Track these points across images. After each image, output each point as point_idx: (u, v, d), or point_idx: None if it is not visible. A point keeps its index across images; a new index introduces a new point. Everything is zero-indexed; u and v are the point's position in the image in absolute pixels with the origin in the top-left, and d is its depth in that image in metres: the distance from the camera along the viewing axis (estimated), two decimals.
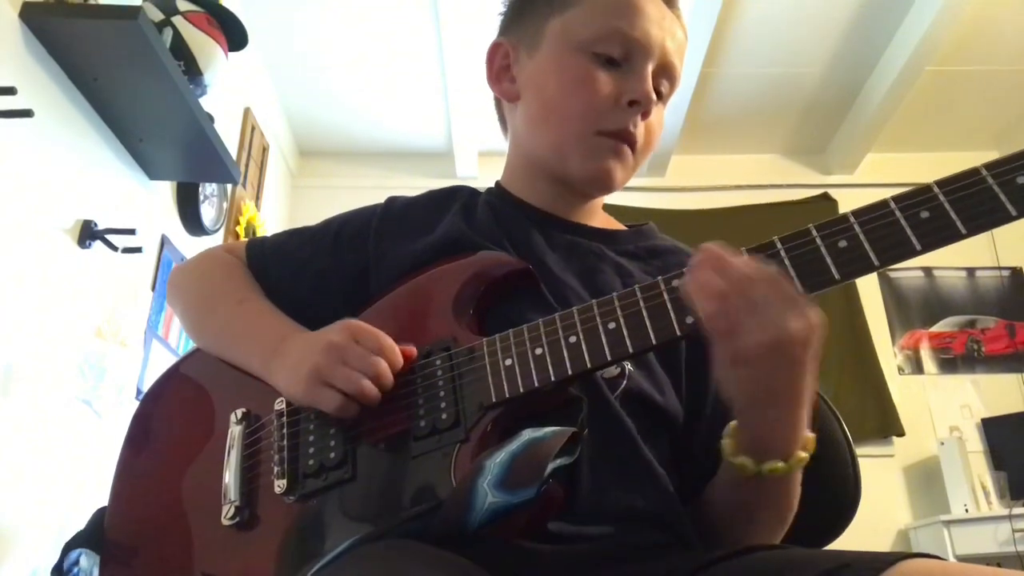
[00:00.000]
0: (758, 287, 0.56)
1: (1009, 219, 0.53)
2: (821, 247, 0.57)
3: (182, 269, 0.94)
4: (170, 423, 0.82)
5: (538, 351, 0.63)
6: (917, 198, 0.55)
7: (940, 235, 0.54)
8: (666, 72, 0.79)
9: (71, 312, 1.73)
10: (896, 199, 0.56)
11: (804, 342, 0.56)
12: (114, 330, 1.90)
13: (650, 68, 0.77)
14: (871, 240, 0.56)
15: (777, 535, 0.70)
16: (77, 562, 0.78)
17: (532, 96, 0.82)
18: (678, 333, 0.59)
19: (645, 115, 0.77)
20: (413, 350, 0.67)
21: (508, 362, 0.63)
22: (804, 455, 0.62)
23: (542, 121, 0.82)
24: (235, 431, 0.73)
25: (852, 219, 0.57)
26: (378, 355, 0.65)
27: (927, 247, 0.54)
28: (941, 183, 0.55)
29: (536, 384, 0.62)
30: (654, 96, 0.76)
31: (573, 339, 0.62)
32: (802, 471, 0.65)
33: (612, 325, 0.61)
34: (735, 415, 0.63)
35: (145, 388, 2.02)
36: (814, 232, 0.58)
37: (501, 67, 0.85)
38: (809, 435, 0.63)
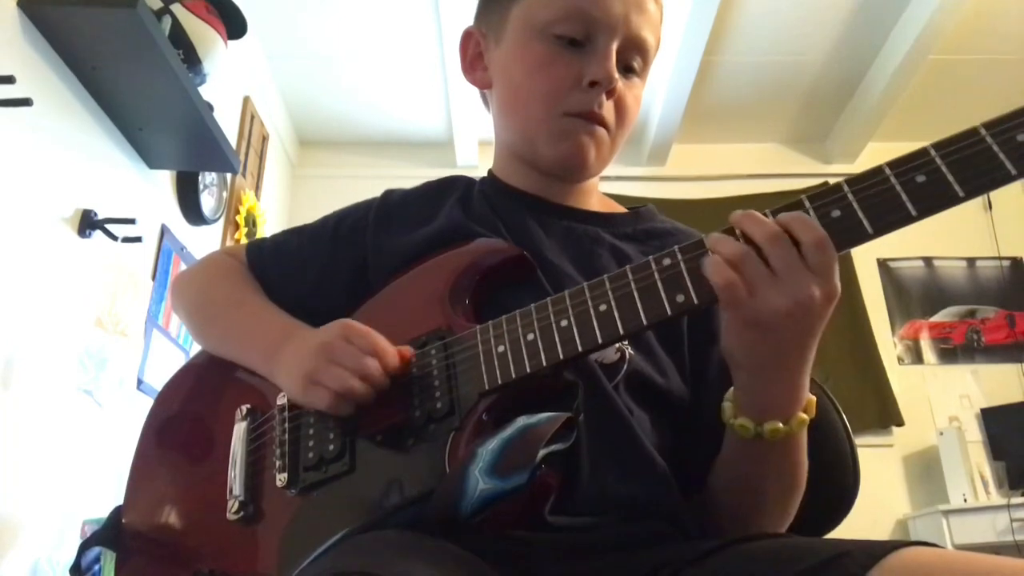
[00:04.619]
0: (777, 250, 0.55)
1: (1009, 179, 0.51)
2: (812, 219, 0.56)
3: (184, 276, 0.95)
4: (180, 422, 0.83)
5: (530, 336, 0.63)
6: (913, 162, 0.54)
7: (936, 200, 0.53)
8: (635, 46, 0.77)
9: (71, 302, 1.73)
10: (891, 164, 0.55)
11: (819, 310, 0.56)
12: (114, 320, 1.90)
13: (614, 46, 0.75)
14: (864, 208, 0.54)
15: (785, 512, 0.69)
16: (96, 560, 0.79)
17: (501, 83, 0.83)
18: (669, 312, 0.58)
19: (610, 94, 0.76)
20: (410, 351, 0.67)
21: (501, 349, 0.63)
22: (804, 416, 0.62)
23: (510, 107, 0.83)
24: (239, 427, 0.74)
25: (846, 188, 0.56)
26: (371, 355, 0.65)
27: (923, 212, 0.53)
28: (937, 145, 0.53)
29: (528, 370, 0.62)
30: (615, 76, 0.76)
31: (564, 323, 0.62)
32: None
33: (603, 307, 0.60)
34: (736, 376, 0.63)
35: (146, 378, 2.02)
36: (806, 203, 0.56)
37: (474, 55, 0.86)
38: (810, 397, 0.63)
